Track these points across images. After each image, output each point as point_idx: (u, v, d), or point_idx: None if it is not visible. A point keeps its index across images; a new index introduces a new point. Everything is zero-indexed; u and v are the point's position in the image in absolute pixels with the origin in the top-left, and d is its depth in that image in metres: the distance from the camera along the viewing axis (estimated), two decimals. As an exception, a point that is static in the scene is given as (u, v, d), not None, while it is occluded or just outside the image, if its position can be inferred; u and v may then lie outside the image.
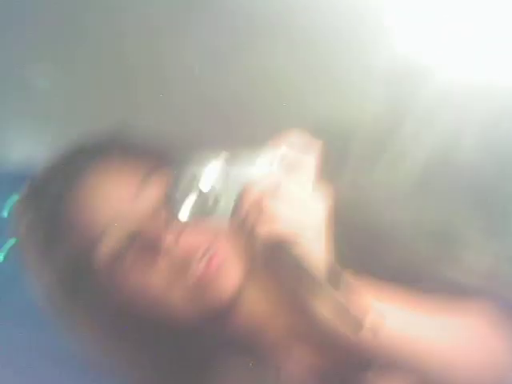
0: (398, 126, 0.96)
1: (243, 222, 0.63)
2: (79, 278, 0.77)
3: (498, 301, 0.75)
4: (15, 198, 0.83)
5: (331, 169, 0.67)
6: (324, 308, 0.62)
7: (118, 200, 0.76)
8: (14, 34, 1.00)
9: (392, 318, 0.67)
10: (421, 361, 0.69)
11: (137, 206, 0.75)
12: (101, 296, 0.77)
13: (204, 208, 0.64)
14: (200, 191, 0.64)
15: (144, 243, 0.74)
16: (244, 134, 0.96)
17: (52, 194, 0.80)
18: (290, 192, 0.62)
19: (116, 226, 0.75)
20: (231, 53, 0.99)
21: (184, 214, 0.64)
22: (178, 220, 0.65)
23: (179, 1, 0.98)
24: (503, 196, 0.90)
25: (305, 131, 0.67)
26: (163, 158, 0.73)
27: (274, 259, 0.63)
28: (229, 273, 0.75)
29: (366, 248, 0.78)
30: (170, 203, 0.65)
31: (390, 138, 0.97)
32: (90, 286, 0.77)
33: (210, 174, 0.64)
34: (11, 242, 0.85)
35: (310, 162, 0.64)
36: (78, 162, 0.80)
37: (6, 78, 1.03)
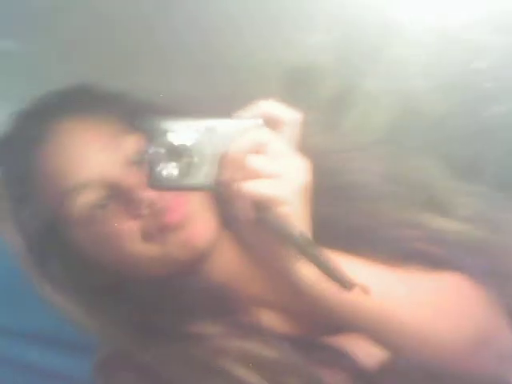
0: (362, 77, 0.97)
1: (224, 180, 0.61)
2: (53, 231, 0.78)
3: (468, 265, 0.75)
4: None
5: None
6: (309, 269, 0.62)
7: (91, 153, 0.75)
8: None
9: (369, 282, 0.65)
10: (395, 324, 0.68)
11: (110, 160, 0.75)
12: (75, 249, 0.78)
13: (181, 169, 0.62)
14: (176, 151, 0.62)
15: (116, 196, 0.74)
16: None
17: (24, 146, 0.78)
18: (273, 150, 0.60)
19: (89, 178, 0.74)
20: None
21: (158, 175, 0.62)
22: (152, 180, 0.62)
23: None
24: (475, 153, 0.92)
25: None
26: (141, 115, 0.72)
27: (255, 220, 0.61)
28: (197, 225, 0.75)
29: (333, 206, 0.78)
30: (145, 161, 0.62)
31: (353, 91, 0.98)
32: (64, 238, 0.78)
33: (189, 134, 0.62)
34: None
35: (292, 122, 0.63)
36: (50, 114, 0.79)
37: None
